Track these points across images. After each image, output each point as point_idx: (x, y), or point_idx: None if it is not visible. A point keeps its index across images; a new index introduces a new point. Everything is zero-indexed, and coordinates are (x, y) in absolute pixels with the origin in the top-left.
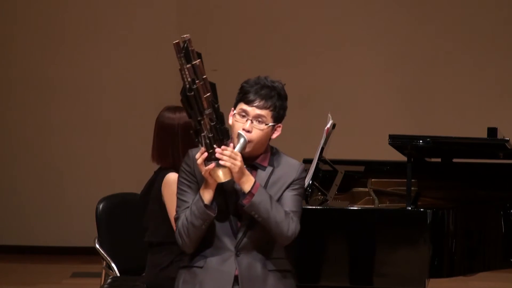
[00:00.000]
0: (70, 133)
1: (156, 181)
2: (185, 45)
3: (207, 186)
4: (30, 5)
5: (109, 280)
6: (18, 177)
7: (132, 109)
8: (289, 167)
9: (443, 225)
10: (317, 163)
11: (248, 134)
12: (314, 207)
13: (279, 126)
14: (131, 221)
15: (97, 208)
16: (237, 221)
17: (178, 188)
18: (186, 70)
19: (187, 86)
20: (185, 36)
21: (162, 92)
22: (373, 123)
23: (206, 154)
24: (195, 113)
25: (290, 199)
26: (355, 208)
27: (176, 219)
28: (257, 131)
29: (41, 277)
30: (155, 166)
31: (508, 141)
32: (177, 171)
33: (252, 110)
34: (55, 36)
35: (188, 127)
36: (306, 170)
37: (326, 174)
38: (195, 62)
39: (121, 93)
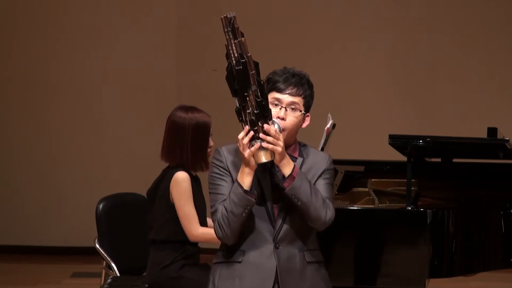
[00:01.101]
0: (70, 133)
1: (164, 180)
2: (232, 21)
3: (245, 170)
4: (30, 5)
5: (109, 280)
6: (18, 177)
7: (132, 109)
8: (319, 157)
9: (443, 225)
10: None
11: (282, 122)
12: None
13: (308, 116)
14: (131, 221)
15: (97, 208)
16: (274, 211)
17: (211, 184)
18: (233, 45)
19: (234, 61)
20: (230, 13)
21: (162, 92)
22: (373, 123)
23: (251, 133)
24: (241, 88)
25: (323, 187)
26: (355, 208)
27: (214, 212)
28: (291, 118)
29: (41, 277)
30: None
31: (508, 141)
32: (185, 170)
33: (286, 98)
34: (54, 36)
35: (199, 128)
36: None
37: None
38: (240, 39)
39: (121, 93)
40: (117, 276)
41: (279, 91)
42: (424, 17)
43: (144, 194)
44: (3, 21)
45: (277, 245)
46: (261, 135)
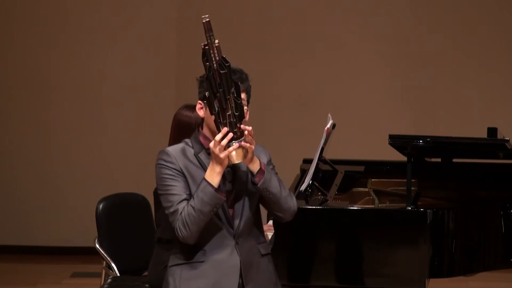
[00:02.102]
0: (70, 133)
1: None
2: (210, 24)
3: (216, 170)
4: (29, 4)
5: (109, 280)
6: (18, 177)
7: (132, 109)
8: (258, 151)
9: (443, 225)
10: (317, 163)
11: None
12: (314, 207)
13: (248, 110)
14: (131, 221)
15: (97, 208)
16: (229, 209)
17: (163, 185)
18: (215, 48)
19: (216, 64)
20: (206, 16)
21: (162, 92)
22: (373, 123)
23: (231, 134)
24: (223, 91)
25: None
26: (355, 208)
27: (173, 213)
28: None
29: (41, 277)
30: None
31: (508, 141)
32: None
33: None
34: (53, 36)
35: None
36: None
37: (326, 174)
38: (217, 42)
39: (121, 93)
40: (117, 276)
41: None
42: (424, 17)
43: (144, 194)
44: (2, 20)
45: (238, 240)
46: (246, 134)
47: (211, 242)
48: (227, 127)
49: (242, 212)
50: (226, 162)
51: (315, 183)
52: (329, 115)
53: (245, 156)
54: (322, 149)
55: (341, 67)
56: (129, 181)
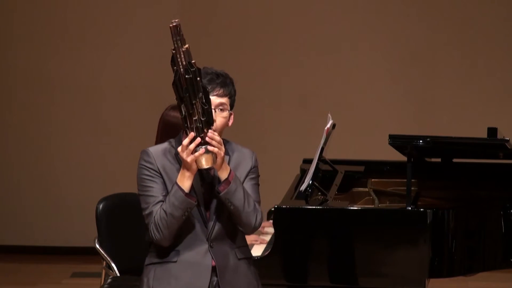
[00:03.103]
0: (70, 133)
1: None
2: (178, 29)
3: (186, 174)
4: (29, 4)
5: (109, 280)
6: (18, 177)
7: (133, 109)
8: (243, 155)
9: (443, 225)
10: (317, 163)
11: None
12: (314, 207)
13: (232, 114)
14: (131, 221)
15: (97, 208)
16: (206, 211)
17: (142, 186)
18: (182, 53)
19: (183, 69)
20: (176, 20)
21: (163, 91)
22: (373, 123)
23: (198, 139)
24: (190, 96)
25: (251, 189)
26: (355, 208)
27: (148, 215)
28: (220, 119)
29: (41, 277)
30: None
31: (508, 141)
32: None
33: (214, 99)
34: (54, 35)
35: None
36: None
37: (326, 174)
38: (186, 46)
39: (121, 93)
40: (117, 276)
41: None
42: (424, 17)
43: None
44: (2, 19)
45: (211, 244)
46: (208, 139)
47: (184, 243)
48: (193, 132)
49: (218, 214)
50: (194, 167)
51: (315, 183)
52: (329, 115)
53: (214, 162)
54: (322, 149)
55: (341, 67)
56: (129, 181)
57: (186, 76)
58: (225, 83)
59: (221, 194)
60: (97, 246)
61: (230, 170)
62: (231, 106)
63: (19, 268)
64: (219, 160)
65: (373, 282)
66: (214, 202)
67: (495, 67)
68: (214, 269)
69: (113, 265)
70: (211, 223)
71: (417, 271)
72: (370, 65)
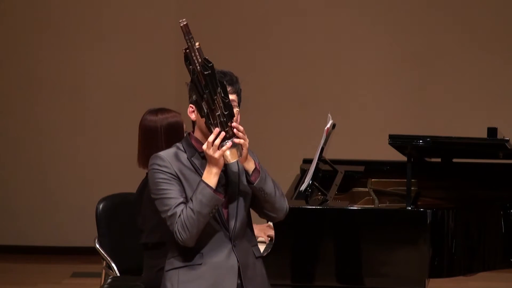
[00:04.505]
0: (70, 133)
1: (147, 184)
2: (188, 28)
3: (213, 171)
4: (29, 4)
5: (109, 280)
6: (17, 177)
7: (132, 109)
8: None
9: (443, 225)
10: (317, 163)
11: None
12: (314, 207)
13: (238, 111)
14: (131, 221)
15: (97, 208)
16: (223, 211)
17: (159, 190)
18: (196, 51)
19: (199, 66)
20: (184, 19)
21: (161, 92)
22: (373, 123)
23: (223, 133)
24: (210, 92)
25: None
26: (355, 208)
27: (171, 216)
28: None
29: (41, 277)
30: None
31: (508, 141)
32: None
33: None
34: (47, 34)
35: (171, 128)
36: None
37: (326, 174)
38: (198, 44)
39: (120, 92)
40: (117, 276)
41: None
42: (424, 17)
43: None
44: (2, 20)
45: (234, 243)
46: (234, 131)
47: (208, 245)
48: (218, 127)
49: (236, 213)
50: (222, 162)
51: (315, 183)
52: (329, 115)
53: (240, 154)
54: (322, 149)
55: (341, 67)
56: (129, 181)
57: (205, 72)
58: (232, 81)
59: (254, 184)
60: (97, 246)
61: (255, 160)
62: (239, 103)
63: (19, 268)
64: (244, 151)
65: (373, 282)
66: (231, 202)
67: (495, 66)
68: (238, 268)
69: (113, 265)
70: (232, 222)
71: (417, 271)
72: (370, 65)
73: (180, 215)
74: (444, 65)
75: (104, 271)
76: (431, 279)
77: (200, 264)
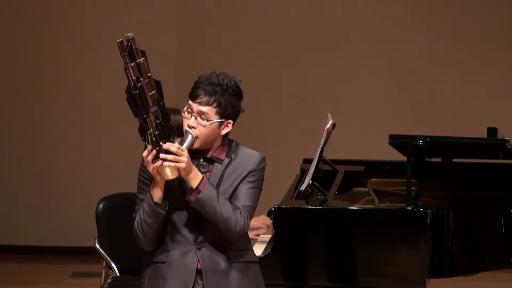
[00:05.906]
0: (70, 133)
1: None
2: (129, 43)
3: (155, 184)
4: (28, 4)
5: (109, 280)
6: (17, 177)
7: None
8: (246, 158)
9: (443, 225)
10: (317, 163)
11: (194, 130)
12: (314, 207)
13: (230, 122)
14: (131, 221)
15: (97, 208)
16: (196, 214)
17: (137, 187)
18: (130, 68)
19: (132, 84)
20: (128, 34)
21: (163, 91)
22: (373, 123)
23: (154, 152)
24: (140, 111)
25: (244, 193)
26: (355, 208)
27: (134, 218)
28: (200, 127)
29: (41, 277)
30: None
31: (508, 141)
32: None
33: (196, 106)
34: (54, 35)
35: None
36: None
37: (326, 174)
38: (139, 60)
39: (121, 93)
40: (117, 276)
41: (193, 98)
42: (425, 17)
43: None
44: (1, 20)
45: (199, 246)
46: (161, 155)
47: (173, 244)
48: (149, 144)
49: (206, 219)
50: (159, 178)
51: (315, 183)
52: (329, 115)
53: (179, 172)
54: (322, 149)
55: (341, 67)
56: (129, 181)
57: (133, 92)
58: (214, 92)
59: (191, 203)
60: (97, 246)
61: (202, 178)
62: (223, 115)
63: (19, 268)
64: (181, 171)
65: (373, 282)
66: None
67: (495, 66)
68: (200, 271)
69: (113, 265)
70: (199, 226)
71: (417, 271)
72: (370, 65)
73: (136, 219)
74: (444, 66)
75: (104, 271)
76: (431, 279)
77: (164, 262)
